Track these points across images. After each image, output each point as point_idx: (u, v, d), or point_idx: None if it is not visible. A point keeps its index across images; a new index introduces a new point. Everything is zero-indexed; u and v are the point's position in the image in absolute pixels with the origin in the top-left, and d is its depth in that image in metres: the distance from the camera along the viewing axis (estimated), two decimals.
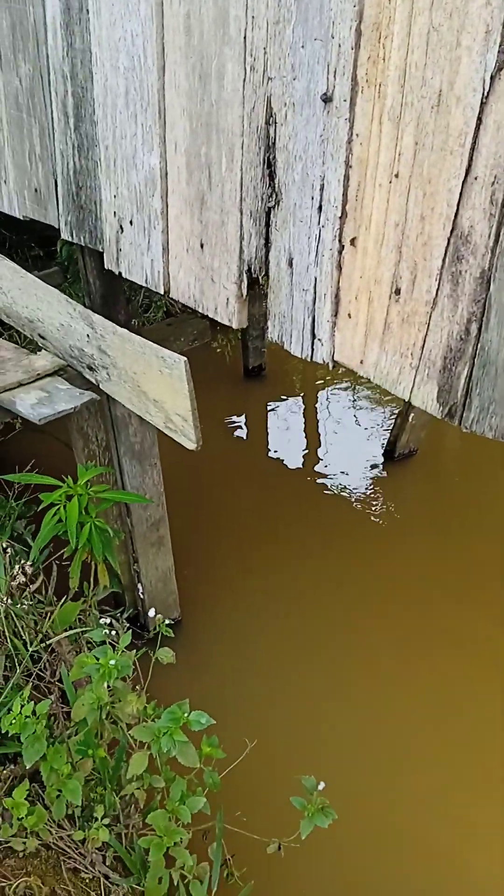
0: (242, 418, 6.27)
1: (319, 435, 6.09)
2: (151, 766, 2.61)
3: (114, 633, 2.80)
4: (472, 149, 1.52)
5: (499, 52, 1.42)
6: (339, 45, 1.69)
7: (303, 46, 1.77)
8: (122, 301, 3.17)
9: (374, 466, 5.60)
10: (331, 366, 2.00)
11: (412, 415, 5.28)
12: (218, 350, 7.18)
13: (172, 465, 5.31)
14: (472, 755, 3.53)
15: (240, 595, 4.42)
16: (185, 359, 2.58)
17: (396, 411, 5.65)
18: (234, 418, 6.27)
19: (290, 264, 1.99)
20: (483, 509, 5.15)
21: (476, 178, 1.53)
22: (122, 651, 2.64)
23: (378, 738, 3.62)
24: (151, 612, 2.67)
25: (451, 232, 1.60)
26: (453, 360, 1.69)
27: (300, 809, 2.48)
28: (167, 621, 2.75)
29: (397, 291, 1.75)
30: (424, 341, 1.73)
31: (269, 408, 6.41)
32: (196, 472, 5.49)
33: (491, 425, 1.66)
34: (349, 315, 1.89)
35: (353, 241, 1.81)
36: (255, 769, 2.96)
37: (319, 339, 2.00)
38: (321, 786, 2.51)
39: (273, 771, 3.12)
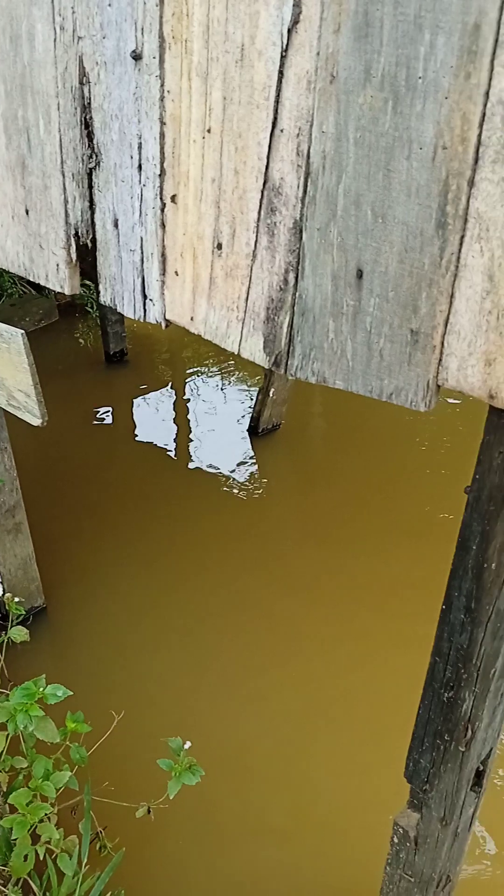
0: (107, 405, 6.19)
1: (189, 418, 6.11)
2: (16, 750, 2.56)
3: None
4: (277, 102, 1.56)
5: (293, 5, 1.47)
6: (145, 3, 1.69)
7: (110, 5, 1.76)
8: None
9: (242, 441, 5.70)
10: (164, 325, 2.01)
11: (272, 390, 5.40)
12: (79, 339, 7.05)
13: (36, 456, 5.20)
14: (335, 702, 3.68)
15: (107, 578, 4.38)
16: (23, 332, 2.52)
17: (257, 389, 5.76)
18: (99, 404, 6.17)
19: (116, 225, 1.99)
20: (342, 472, 5.35)
21: (282, 131, 1.58)
22: None
23: (239, 696, 3.71)
24: None
25: (264, 185, 1.65)
26: (275, 310, 1.74)
27: (167, 770, 2.50)
28: (22, 604, 2.69)
29: (219, 246, 1.79)
30: (248, 294, 1.78)
31: (133, 393, 6.36)
32: (61, 461, 5.39)
33: (313, 370, 1.73)
34: (176, 273, 1.91)
35: (173, 199, 1.83)
36: (124, 741, 2.96)
37: (150, 300, 2.01)
38: (187, 745, 2.54)
39: (142, 740, 3.13)
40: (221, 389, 6.52)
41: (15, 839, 2.28)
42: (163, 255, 1.92)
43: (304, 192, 1.58)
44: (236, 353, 1.87)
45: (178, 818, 2.83)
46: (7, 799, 2.40)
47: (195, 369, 6.78)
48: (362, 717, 3.59)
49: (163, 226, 1.88)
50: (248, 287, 1.77)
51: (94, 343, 6.97)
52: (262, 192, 1.66)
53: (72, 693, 2.24)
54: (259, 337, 1.80)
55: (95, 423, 5.96)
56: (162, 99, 1.75)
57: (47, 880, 2.43)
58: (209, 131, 1.70)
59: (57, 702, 2.21)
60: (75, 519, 4.82)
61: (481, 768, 2.02)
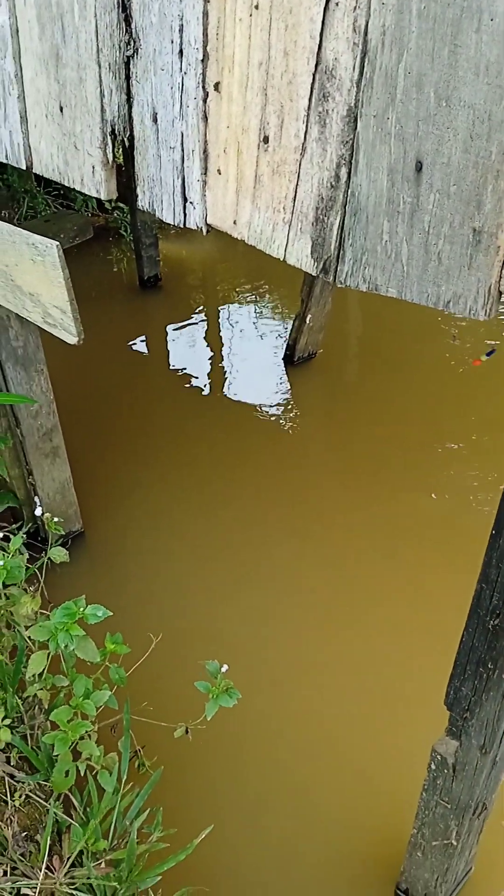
0: (140, 330, 6.10)
1: (223, 346, 6.00)
2: (56, 669, 2.57)
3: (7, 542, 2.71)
4: None
5: None
6: None
7: None
8: None
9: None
10: (204, 230, 1.90)
11: (309, 317, 5.24)
12: (112, 263, 6.92)
13: (71, 381, 5.15)
14: (374, 637, 3.65)
15: (143, 504, 4.37)
16: (57, 243, 2.42)
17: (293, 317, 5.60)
18: (133, 331, 6.09)
19: (155, 120, 1.86)
20: (380, 401, 5.22)
21: (338, 4, 1.43)
22: (14, 554, 2.55)
23: (280, 623, 3.70)
24: (38, 511, 2.58)
25: (316, 67, 1.51)
26: (325, 210, 1.62)
27: (204, 692, 2.50)
28: (60, 524, 2.67)
29: (265, 139, 1.66)
30: (296, 193, 1.65)
31: (167, 320, 6.25)
32: (96, 388, 5.35)
33: (364, 277, 1.61)
34: (219, 171, 1.79)
35: (217, 87, 1.69)
36: (162, 662, 2.97)
37: (191, 202, 1.89)
38: (224, 668, 2.53)
39: (180, 662, 3.14)
40: (256, 316, 6.37)
41: (56, 755, 2.30)
42: (204, 151, 1.79)
43: (361, 74, 1.44)
44: (282, 258, 1.75)
45: (214, 739, 2.84)
46: (49, 716, 2.42)
47: (230, 296, 6.63)
48: (400, 647, 3.56)
49: (205, 118, 1.75)
50: (297, 185, 1.64)
51: (127, 268, 6.84)
52: (314, 75, 1.51)
53: (111, 613, 2.23)
54: (307, 240, 1.68)
55: (129, 349, 5.88)
56: None
57: (88, 796, 2.47)
58: (257, 7, 1.55)
59: (97, 622, 2.20)
60: (111, 445, 4.79)
61: None
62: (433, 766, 2.14)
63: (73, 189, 2.18)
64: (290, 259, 1.73)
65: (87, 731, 2.36)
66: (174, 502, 4.39)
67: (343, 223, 1.60)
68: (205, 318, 6.34)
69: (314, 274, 1.69)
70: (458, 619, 1.94)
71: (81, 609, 2.29)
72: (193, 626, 3.66)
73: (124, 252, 6.94)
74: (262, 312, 6.44)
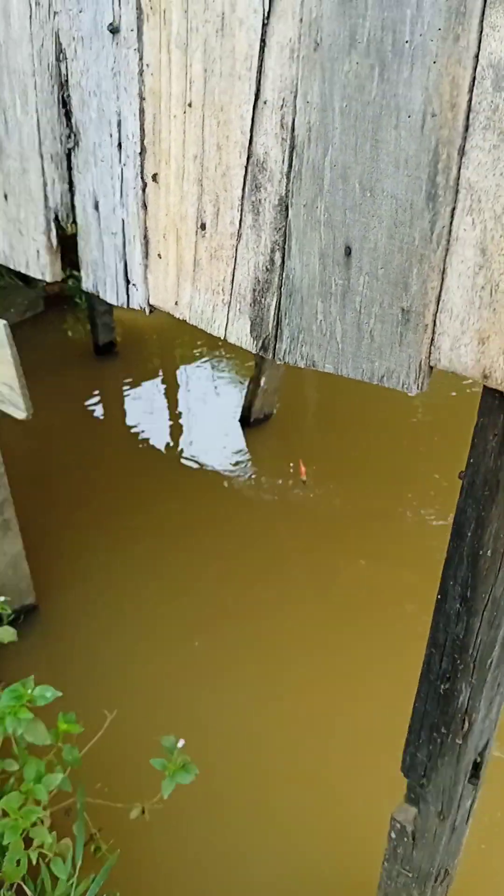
0: (97, 396, 6.13)
1: (180, 409, 6.05)
2: (6, 750, 2.50)
3: None
4: (259, 72, 1.50)
5: None
6: None
7: None
8: None
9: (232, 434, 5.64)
10: (147, 311, 1.95)
11: (263, 379, 5.34)
12: (67, 330, 6.98)
13: (25, 450, 5.13)
14: (329, 704, 3.63)
15: (100, 575, 4.33)
16: (5, 322, 2.45)
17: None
18: (89, 397, 6.11)
19: (97, 207, 1.92)
20: (335, 460, 5.29)
21: (266, 103, 1.52)
22: None
23: (239, 694, 3.66)
24: None
25: (248, 160, 1.59)
26: (262, 291, 1.68)
27: (161, 769, 2.45)
28: (7, 602, 2.63)
29: (203, 226, 1.72)
30: (233, 276, 1.72)
31: (123, 385, 6.29)
32: (51, 456, 5.33)
33: (302, 354, 1.67)
34: (159, 255, 1.85)
35: (155, 178, 1.76)
36: (118, 740, 2.91)
37: (133, 284, 1.94)
38: (181, 743, 2.49)
39: (136, 739, 3.08)
40: (213, 379, 6.46)
41: (7, 844, 2.23)
42: (145, 237, 1.85)
43: (290, 166, 1.52)
44: (223, 338, 1.81)
45: (173, 817, 2.78)
46: None
47: (186, 359, 6.72)
48: (360, 714, 3.54)
49: (144, 206, 1.81)
50: (234, 268, 1.71)
51: (83, 334, 6.90)
52: (246, 167, 1.59)
53: (60, 694, 2.19)
54: (246, 321, 1.74)
55: (86, 416, 5.89)
56: (141, 73, 1.68)
57: (41, 884, 2.38)
58: (190, 105, 1.63)
59: (46, 703, 2.16)
60: (67, 514, 4.76)
61: (479, 760, 1.97)
62: (393, 835, 2.12)
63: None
64: (230, 338, 1.78)
65: (38, 818, 2.29)
66: (131, 570, 4.36)
67: (279, 304, 1.66)
68: (161, 382, 6.40)
69: (254, 352, 1.75)
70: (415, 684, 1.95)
71: (30, 691, 2.26)
72: (150, 699, 3.60)
73: (79, 319, 7.01)
74: (219, 375, 6.53)
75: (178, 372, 6.56)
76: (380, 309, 1.50)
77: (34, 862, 2.28)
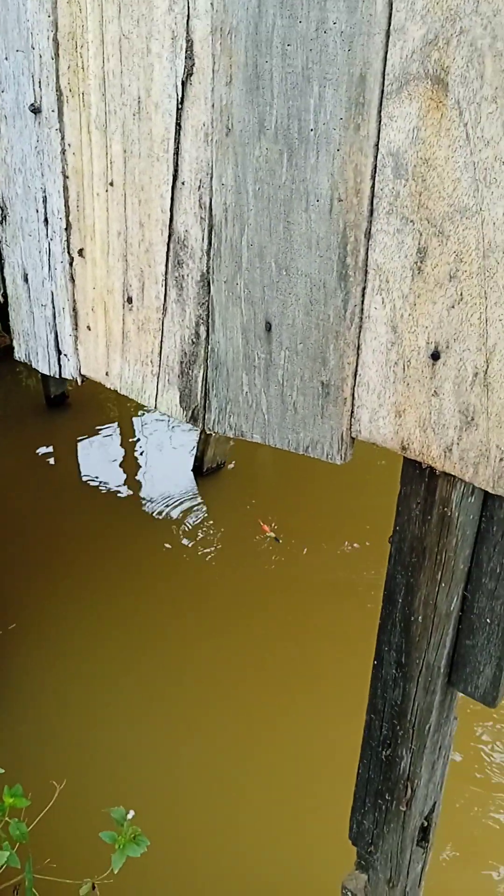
0: (50, 449, 6.07)
1: (134, 458, 6.03)
2: None
3: None
4: (177, 154, 1.53)
5: (186, 57, 1.45)
6: (41, 56, 1.66)
7: (6, 58, 1.72)
8: None
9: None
10: (79, 381, 1.95)
11: None
12: (20, 381, 6.93)
13: None
14: (282, 767, 3.58)
15: (48, 635, 4.24)
16: None
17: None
18: (41, 449, 6.05)
19: (26, 280, 1.93)
20: (289, 509, 5.30)
21: (184, 184, 1.55)
22: None
23: (187, 759, 3.59)
24: None
25: (170, 237, 1.61)
26: (189, 364, 1.69)
27: (110, 843, 2.38)
28: None
29: (129, 300, 1.74)
30: (161, 348, 1.73)
31: (76, 436, 6.25)
32: (2, 508, 5.24)
33: (230, 424, 1.68)
34: (88, 327, 1.86)
35: (81, 253, 1.78)
36: (67, 812, 2.83)
37: (65, 355, 1.95)
38: (130, 814, 2.43)
39: (87, 809, 2.99)
40: (167, 429, 6.45)
41: None
42: (74, 309, 1.86)
43: (209, 244, 1.55)
44: (153, 408, 1.81)
45: (126, 891, 2.69)
46: None
47: (139, 410, 6.71)
48: (308, 782, 3.49)
49: (72, 280, 1.83)
50: (161, 341, 1.72)
51: (34, 386, 6.85)
52: (168, 244, 1.62)
53: (3, 771, 2.12)
54: (175, 391, 1.75)
55: (39, 466, 5.83)
56: (63, 152, 1.71)
57: None
58: (112, 184, 1.66)
59: None
60: (17, 569, 4.67)
61: (426, 824, 1.96)
62: None
63: None
64: (160, 408, 1.79)
65: None
66: (81, 627, 4.28)
67: (206, 376, 1.67)
68: (115, 432, 6.37)
69: (184, 422, 1.75)
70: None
71: None
72: (101, 768, 3.51)
73: (31, 371, 6.97)
74: (173, 425, 6.53)
75: (132, 422, 6.55)
76: (301, 382, 1.52)
77: None
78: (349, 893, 2.05)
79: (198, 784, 3.47)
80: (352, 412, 1.47)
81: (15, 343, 2.06)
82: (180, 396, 1.74)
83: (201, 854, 3.19)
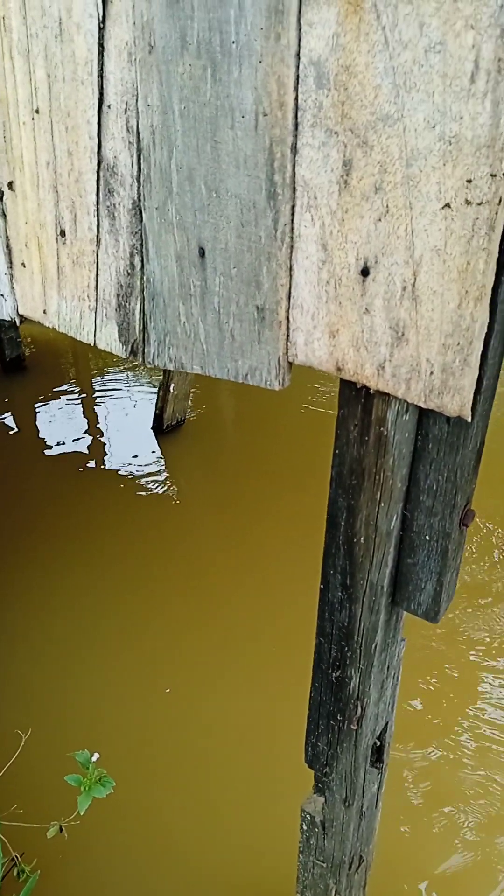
0: (8, 412, 6.00)
1: (94, 420, 5.98)
2: None
3: None
4: (101, 76, 1.50)
5: None
6: None
7: None
8: None
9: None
10: (17, 321, 1.92)
11: (172, 385, 5.33)
12: None
13: None
14: (245, 700, 3.64)
15: (16, 582, 4.23)
16: None
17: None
18: (0, 415, 5.98)
19: None
20: (248, 462, 5.33)
21: (110, 107, 1.51)
22: None
23: (155, 701, 3.64)
24: None
25: (99, 165, 1.58)
26: (125, 296, 1.68)
27: (76, 785, 2.41)
28: None
29: (62, 233, 1.71)
30: (97, 281, 1.71)
31: (35, 399, 6.19)
32: None
33: (170, 357, 1.67)
34: (23, 264, 1.82)
35: (10, 185, 1.74)
36: (34, 759, 2.86)
37: (1, 295, 1.91)
38: (95, 757, 2.46)
39: (52, 757, 3.02)
40: (128, 389, 6.41)
41: None
42: (7, 246, 1.83)
43: (139, 170, 1.52)
44: (92, 344, 1.80)
45: (94, 833, 2.74)
46: None
47: (101, 370, 6.65)
48: (274, 710, 3.56)
49: (3, 215, 1.79)
50: (97, 274, 1.70)
51: None
52: (98, 172, 1.59)
53: None
54: (113, 326, 1.73)
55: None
56: None
57: None
58: (37, 112, 1.62)
59: None
60: None
61: (378, 744, 2.01)
62: (304, 826, 2.14)
63: None
64: (100, 344, 1.77)
65: None
66: (48, 581, 4.29)
67: (143, 308, 1.66)
68: (75, 392, 6.31)
69: (124, 357, 1.74)
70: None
71: None
72: (66, 715, 3.54)
73: None
74: (132, 384, 6.48)
75: (92, 381, 6.49)
76: (237, 308, 1.51)
77: None
78: (308, 816, 2.11)
79: (166, 727, 3.52)
80: (287, 336, 1.47)
81: None
82: (119, 331, 1.73)
83: (170, 791, 3.24)
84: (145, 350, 1.71)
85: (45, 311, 1.85)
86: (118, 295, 1.69)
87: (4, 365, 6.34)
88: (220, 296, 1.52)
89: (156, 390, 6.31)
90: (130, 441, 5.64)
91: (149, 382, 6.49)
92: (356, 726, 1.85)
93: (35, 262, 1.80)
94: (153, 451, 5.50)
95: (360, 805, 2.06)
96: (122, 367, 6.66)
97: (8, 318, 1.93)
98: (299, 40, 1.22)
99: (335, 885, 2.20)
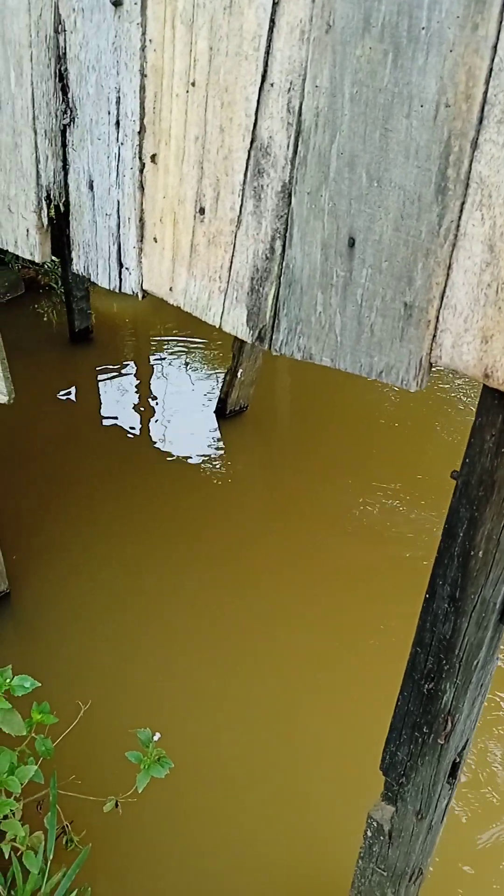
0: (71, 383, 6.04)
1: (154, 398, 5.99)
2: None
3: None
4: (267, 53, 1.46)
5: None
6: None
7: None
8: None
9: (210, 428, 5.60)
10: (140, 296, 1.90)
11: (240, 371, 5.30)
12: (42, 315, 6.86)
13: None
14: (302, 693, 3.62)
15: (72, 561, 4.26)
16: None
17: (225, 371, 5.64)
18: (63, 383, 6.02)
19: (91, 187, 1.87)
20: (308, 454, 5.28)
21: (272, 85, 1.48)
22: None
23: (209, 685, 3.63)
24: None
25: (251, 143, 1.55)
26: (260, 280, 1.64)
27: (136, 763, 2.42)
28: None
29: (201, 211, 1.68)
30: (231, 263, 1.68)
31: (98, 372, 6.21)
32: (24, 442, 5.23)
33: (299, 346, 1.63)
34: (155, 239, 1.80)
35: (153, 158, 1.72)
36: (92, 731, 2.87)
37: (127, 268, 1.89)
38: (156, 737, 2.46)
39: (111, 730, 3.04)
40: (187, 369, 6.40)
41: None
42: (141, 219, 1.80)
43: (295, 152, 1.49)
44: (217, 326, 1.77)
45: (146, 811, 2.75)
46: None
47: (161, 348, 6.65)
48: (340, 705, 3.53)
49: (141, 188, 1.77)
50: (232, 255, 1.67)
51: (57, 320, 6.79)
52: (249, 151, 1.55)
53: (39, 685, 2.14)
54: (242, 309, 1.70)
55: (59, 401, 5.80)
56: (143, 49, 1.63)
57: (12, 878, 2.34)
58: (193, 84, 1.59)
59: (24, 693, 2.11)
60: (40, 502, 4.68)
61: (457, 760, 1.97)
62: (369, 833, 2.11)
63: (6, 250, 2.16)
64: (225, 326, 1.74)
65: (11, 810, 2.24)
66: (105, 558, 4.30)
67: (278, 294, 1.62)
68: (137, 370, 6.32)
69: (250, 342, 1.71)
70: (396, 679, 1.94)
71: (8, 680, 2.21)
72: (126, 690, 3.55)
73: (54, 304, 6.90)
74: (194, 365, 6.47)
75: (153, 360, 6.49)
76: (381, 303, 1.47)
77: (6, 855, 2.24)
78: (374, 823, 2.08)
79: (226, 708, 3.51)
80: (434, 336, 1.43)
81: (74, 254, 2.01)
82: (248, 315, 1.70)
83: (226, 778, 3.23)
84: (273, 337, 1.68)
85: (170, 289, 1.83)
86: (252, 278, 1.66)
87: (72, 335, 6.36)
88: (365, 288, 1.48)
89: (215, 370, 6.29)
90: (188, 420, 5.63)
91: (208, 361, 6.47)
92: (443, 741, 1.81)
93: (168, 239, 1.77)
94: (214, 435, 5.48)
95: (431, 818, 2.02)
96: (181, 347, 6.65)
97: (130, 292, 1.91)
98: (499, 32, 1.17)
99: (393, 894, 2.17)
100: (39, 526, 4.46)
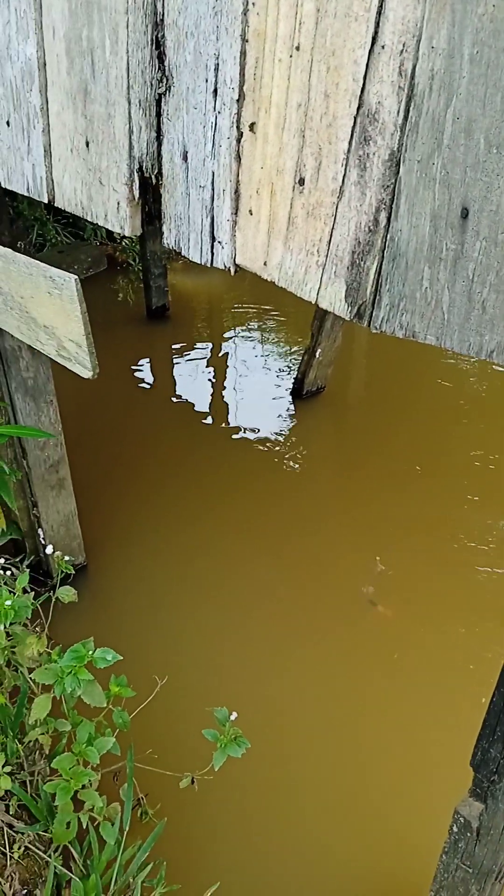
0: (147, 361, 6.07)
1: (227, 377, 5.97)
2: (57, 711, 2.48)
3: (11, 576, 2.63)
4: (379, 13, 1.38)
5: None
6: None
7: None
8: (5, 220, 2.91)
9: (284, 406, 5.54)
10: (233, 270, 1.85)
11: (318, 351, 5.22)
12: (119, 294, 6.91)
13: (75, 409, 5.09)
14: (379, 677, 3.56)
15: (147, 537, 4.29)
16: (76, 277, 2.38)
17: (302, 350, 5.57)
18: (139, 361, 6.05)
19: (185, 158, 1.82)
20: (385, 439, 5.17)
21: (384, 47, 1.40)
22: (20, 593, 2.48)
23: (284, 665, 3.60)
24: (49, 549, 2.51)
25: (358, 110, 1.47)
26: (362, 254, 1.57)
27: (212, 741, 2.41)
28: (69, 561, 2.60)
29: (301, 181, 1.62)
30: (331, 236, 1.61)
31: (174, 350, 6.22)
32: (100, 418, 5.29)
33: (401, 323, 1.56)
34: (250, 212, 1.75)
35: (252, 127, 1.66)
36: (166, 706, 2.88)
37: (220, 242, 1.85)
38: (233, 716, 2.45)
39: (185, 706, 3.05)
40: (263, 348, 6.35)
41: (57, 805, 2.21)
42: (236, 191, 1.75)
43: (405, 118, 1.40)
44: (314, 302, 1.71)
45: (221, 788, 2.74)
46: (50, 762, 2.33)
47: (237, 326, 6.61)
48: (415, 693, 3.47)
49: (238, 158, 1.71)
50: (332, 228, 1.60)
51: (134, 297, 6.82)
52: (356, 118, 1.48)
53: (121, 658, 2.15)
54: (341, 284, 1.64)
55: (135, 379, 5.84)
56: (245, 12, 1.57)
57: (88, 847, 2.37)
58: (298, 49, 1.52)
59: (106, 666, 2.12)
60: (114, 477, 4.73)
61: None
62: (455, 829, 2.04)
63: (96, 224, 2.14)
64: (322, 303, 1.68)
65: (89, 780, 2.27)
66: (179, 535, 4.32)
67: (381, 268, 1.55)
68: (212, 348, 6.31)
69: (347, 318, 1.65)
70: (486, 673, 1.86)
71: (90, 652, 2.22)
72: (198, 666, 3.56)
73: (132, 282, 6.94)
74: (269, 345, 6.42)
75: (228, 339, 6.46)
76: (496, 278, 1.38)
77: (84, 825, 2.26)
78: (461, 819, 2.01)
79: (304, 691, 3.49)
80: None
81: (164, 228, 1.97)
82: (346, 290, 1.63)
83: (301, 760, 3.21)
84: (374, 314, 1.61)
85: (265, 263, 1.77)
86: (353, 252, 1.59)
87: (149, 312, 6.39)
88: (478, 262, 1.40)
89: (290, 350, 6.22)
90: (266, 402, 5.59)
91: (284, 342, 6.40)
92: None
93: (264, 211, 1.71)
94: (289, 416, 5.43)
95: None
96: (256, 325, 6.59)
97: (222, 267, 1.87)
98: None
99: (477, 892, 2.11)
100: (113, 501, 4.50)
